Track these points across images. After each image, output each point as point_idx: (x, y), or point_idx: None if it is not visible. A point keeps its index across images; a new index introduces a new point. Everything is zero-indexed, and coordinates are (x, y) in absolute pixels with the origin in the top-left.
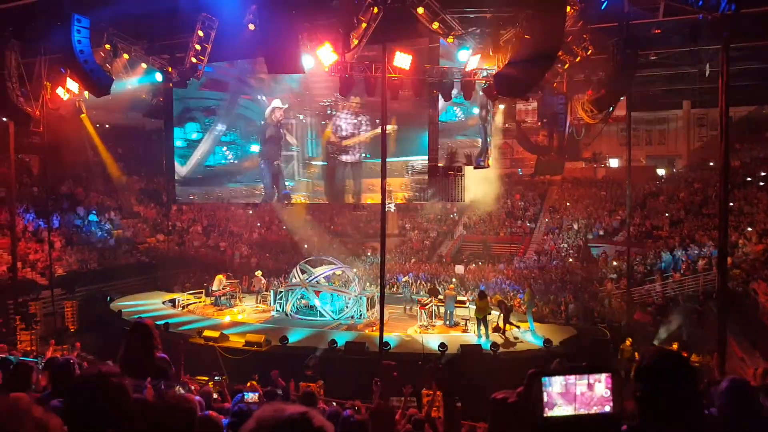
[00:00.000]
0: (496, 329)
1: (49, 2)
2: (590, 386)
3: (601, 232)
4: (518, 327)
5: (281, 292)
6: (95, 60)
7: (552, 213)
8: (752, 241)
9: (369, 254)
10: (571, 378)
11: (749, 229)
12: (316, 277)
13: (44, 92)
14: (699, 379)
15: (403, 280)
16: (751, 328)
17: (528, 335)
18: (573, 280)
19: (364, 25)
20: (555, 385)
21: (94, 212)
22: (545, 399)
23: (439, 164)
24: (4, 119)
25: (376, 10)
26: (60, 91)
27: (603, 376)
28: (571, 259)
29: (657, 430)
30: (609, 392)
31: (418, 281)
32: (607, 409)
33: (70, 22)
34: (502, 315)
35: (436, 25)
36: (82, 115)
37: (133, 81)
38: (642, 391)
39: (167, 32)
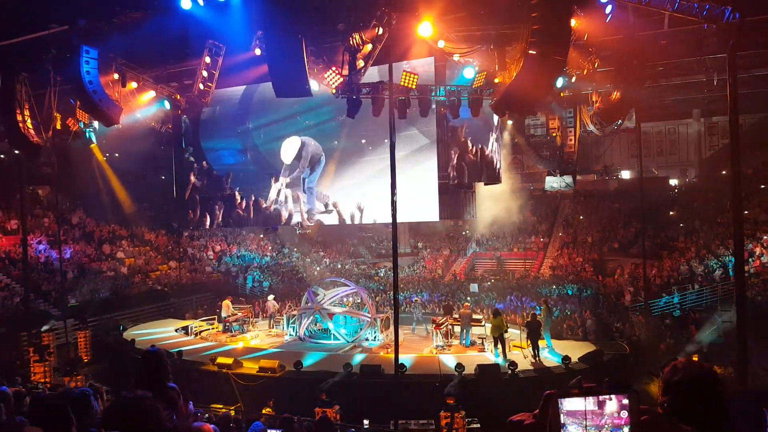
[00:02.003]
0: (535, 353)
1: (58, 34)
2: (600, 405)
3: (616, 245)
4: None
5: (294, 316)
6: (104, 90)
7: (565, 227)
8: None
9: (382, 274)
10: (585, 399)
11: (765, 237)
12: (328, 299)
13: (54, 123)
14: (727, 394)
15: (415, 300)
16: None
17: (546, 352)
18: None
19: (369, 46)
20: (570, 406)
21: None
22: (562, 420)
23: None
24: (16, 151)
25: (380, 31)
26: (70, 121)
27: (614, 396)
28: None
29: None
30: (626, 412)
31: (431, 302)
32: (626, 430)
33: (78, 53)
34: (526, 332)
35: (442, 44)
36: (93, 145)
37: (143, 111)
38: (670, 405)
39: (175, 60)
